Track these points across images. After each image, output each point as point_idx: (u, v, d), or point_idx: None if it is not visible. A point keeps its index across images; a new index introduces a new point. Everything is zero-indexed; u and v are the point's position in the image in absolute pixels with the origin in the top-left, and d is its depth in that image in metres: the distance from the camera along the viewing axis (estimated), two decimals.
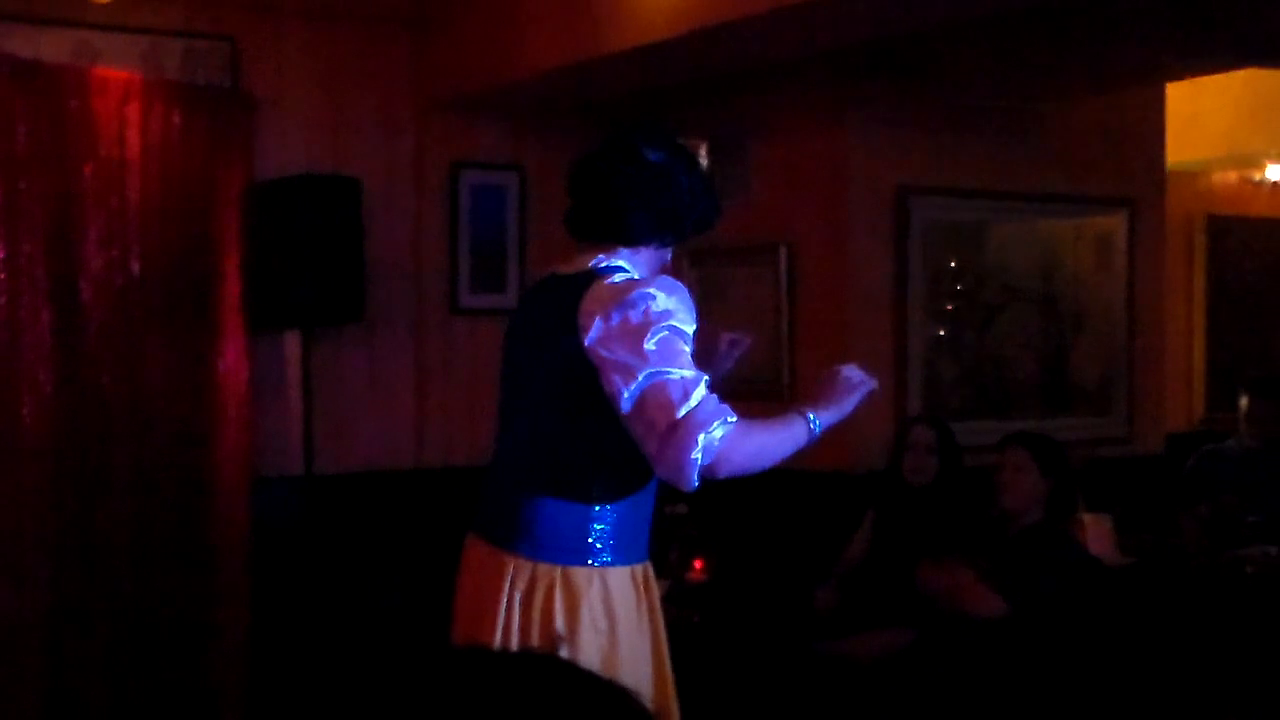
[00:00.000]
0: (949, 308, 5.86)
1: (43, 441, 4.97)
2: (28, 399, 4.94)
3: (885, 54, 5.26)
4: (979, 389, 5.89)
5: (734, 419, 2.64)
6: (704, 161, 2.93)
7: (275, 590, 5.44)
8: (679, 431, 2.59)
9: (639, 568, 2.89)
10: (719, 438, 2.60)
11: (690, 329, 2.70)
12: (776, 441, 2.73)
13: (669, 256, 2.95)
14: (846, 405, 2.84)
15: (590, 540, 2.81)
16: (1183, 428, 7.15)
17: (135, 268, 5.16)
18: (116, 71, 5.17)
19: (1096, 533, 5.03)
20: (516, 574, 2.82)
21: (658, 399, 2.62)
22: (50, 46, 5.13)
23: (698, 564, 4.71)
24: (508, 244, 6.12)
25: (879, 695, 4.44)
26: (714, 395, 2.66)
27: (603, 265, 2.82)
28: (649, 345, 2.63)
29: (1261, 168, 7.78)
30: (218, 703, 5.33)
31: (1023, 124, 6.01)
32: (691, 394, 2.62)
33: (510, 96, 5.82)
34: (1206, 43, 5.27)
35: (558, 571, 2.79)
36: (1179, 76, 6.17)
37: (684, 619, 4.44)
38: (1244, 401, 5.91)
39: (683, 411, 2.60)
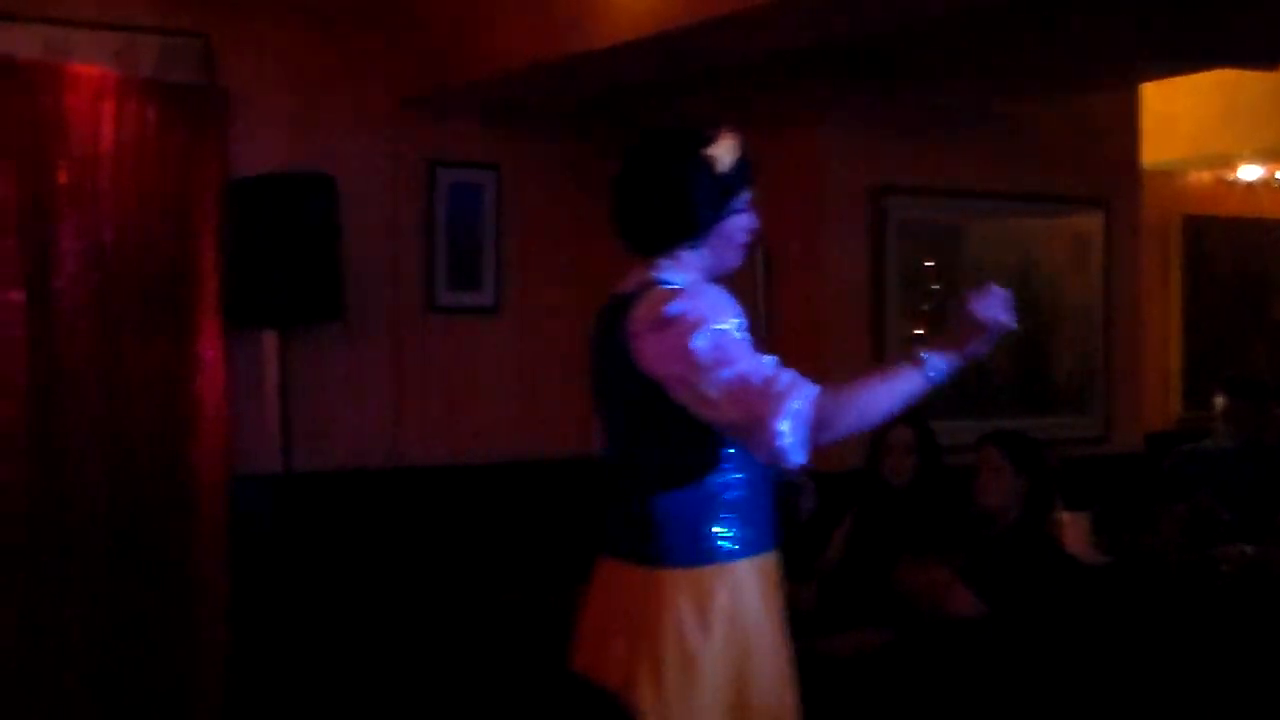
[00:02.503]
0: (925, 308, 5.86)
1: (17, 442, 4.93)
2: (2, 399, 4.91)
3: (861, 53, 5.26)
4: (958, 389, 5.83)
5: (811, 389, 2.61)
6: (726, 151, 2.86)
7: (253, 588, 5.41)
8: (759, 421, 2.59)
9: (766, 558, 2.84)
10: (805, 410, 2.59)
11: (731, 325, 2.69)
12: (876, 396, 2.68)
13: (733, 256, 2.89)
14: (970, 346, 2.69)
15: (708, 531, 2.77)
16: (1160, 427, 7.18)
17: (111, 267, 5.12)
18: (90, 68, 5.13)
19: (1074, 532, 5.04)
20: (640, 585, 2.79)
21: (728, 398, 2.63)
22: (23, 43, 5.08)
23: None
24: (484, 242, 6.11)
25: (857, 694, 4.44)
26: (786, 372, 2.64)
27: (647, 280, 2.83)
28: (699, 353, 2.64)
29: (1235, 168, 7.82)
30: (194, 702, 5.29)
31: (999, 124, 6.02)
32: (757, 381, 2.61)
33: (487, 94, 5.80)
34: (1180, 43, 5.29)
35: (680, 576, 2.75)
36: (1154, 77, 6.19)
37: None
38: (1220, 401, 5.94)
39: (755, 400, 2.60)
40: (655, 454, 2.81)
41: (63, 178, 5.04)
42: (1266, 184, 7.99)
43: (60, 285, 5.02)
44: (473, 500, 6.03)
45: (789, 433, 2.58)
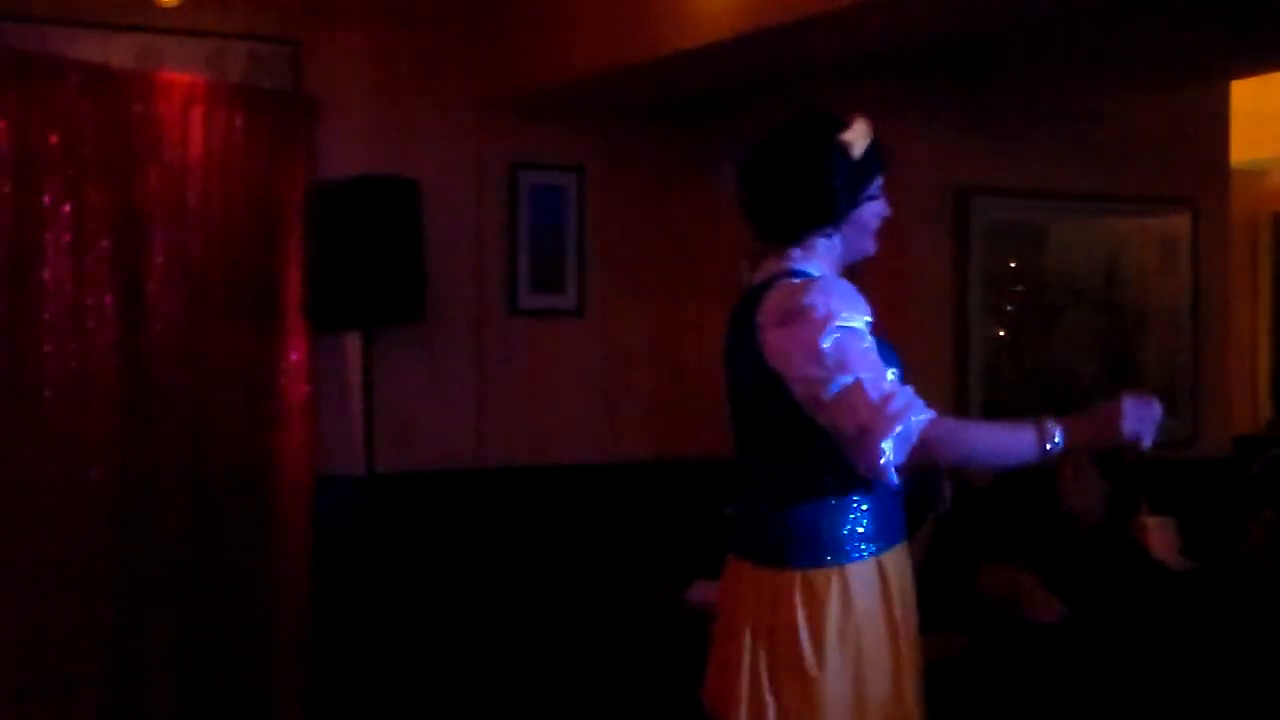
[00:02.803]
0: (1010, 309, 5.82)
1: (106, 442, 5.03)
2: (93, 400, 5.01)
3: (945, 53, 5.23)
4: (1041, 390, 5.84)
5: (925, 414, 2.61)
6: (860, 136, 2.85)
7: (335, 589, 5.47)
8: (867, 434, 2.60)
9: (887, 556, 2.80)
10: (911, 432, 2.59)
11: (860, 322, 2.69)
12: (986, 442, 2.71)
13: (866, 243, 2.89)
14: (1103, 432, 2.68)
15: (828, 532, 2.75)
16: (1249, 430, 7.06)
17: (199, 270, 5.22)
18: (181, 75, 5.23)
19: (1160, 536, 4.98)
20: (760, 586, 2.79)
21: (842, 405, 2.62)
22: (116, 51, 5.20)
23: None
24: (567, 245, 6.14)
25: (936, 698, 4.41)
26: (905, 389, 2.64)
27: (779, 270, 2.81)
28: (824, 353, 2.64)
29: None
30: (277, 703, 5.36)
31: (1084, 123, 5.95)
32: (873, 394, 2.60)
33: (569, 97, 5.83)
34: (1272, 40, 5.21)
35: (797, 578, 2.74)
36: (1243, 74, 6.09)
37: None
38: None
39: (867, 414, 2.59)
40: (778, 451, 2.78)
41: (154, 184, 5.14)
42: None
43: (151, 289, 5.12)
44: (554, 502, 6.05)
45: (891, 453, 2.58)
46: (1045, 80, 5.62)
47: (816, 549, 2.74)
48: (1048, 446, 2.64)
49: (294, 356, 5.34)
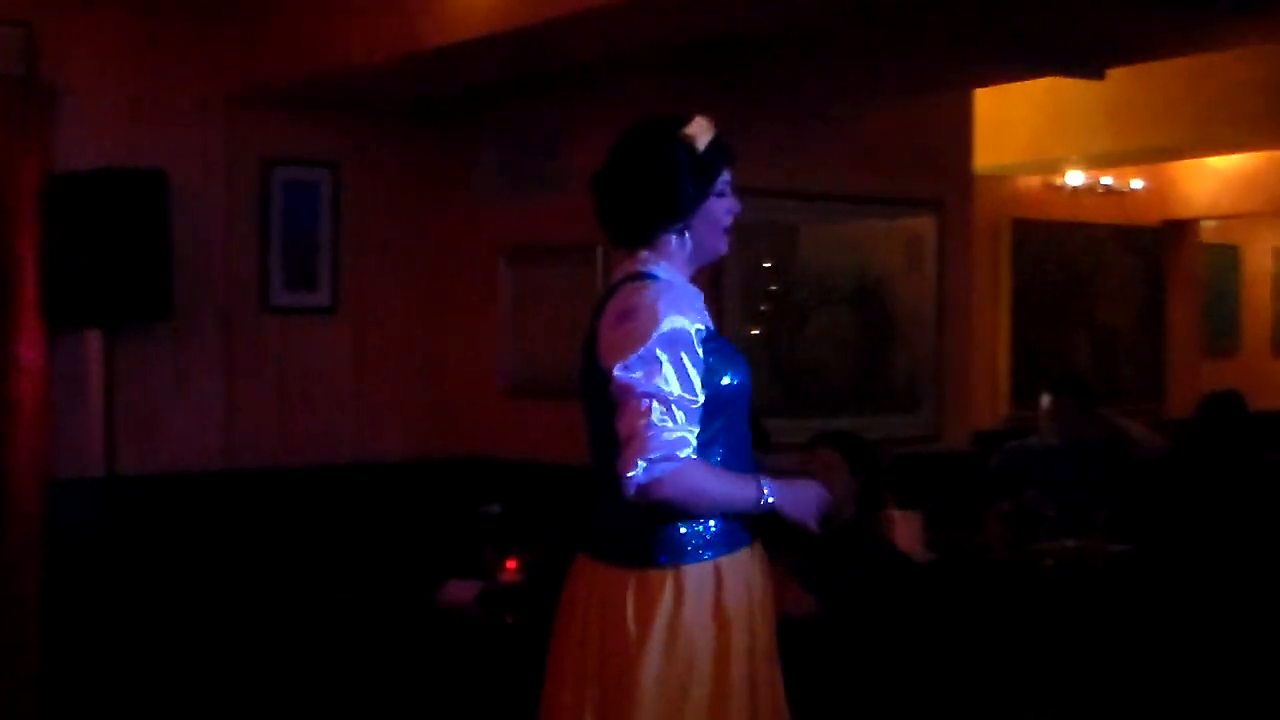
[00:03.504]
0: (763, 308, 5.93)
1: None
2: None
3: (698, 55, 5.29)
4: (792, 388, 5.97)
5: (686, 454, 2.69)
6: (703, 132, 2.86)
7: (71, 598, 5.26)
8: (631, 445, 2.67)
9: (725, 560, 2.81)
10: (664, 466, 2.67)
11: (692, 329, 2.73)
12: (720, 491, 2.77)
13: (718, 241, 2.90)
14: (796, 506, 2.86)
15: (661, 533, 2.77)
16: (989, 425, 7.35)
17: None
18: None
19: (905, 530, 5.12)
20: (599, 584, 2.81)
21: (628, 408, 2.69)
22: None
23: (510, 564, 4.68)
24: (321, 242, 6.04)
25: None
26: (682, 431, 2.69)
27: (629, 272, 2.84)
28: (638, 359, 2.69)
29: (1062, 173, 8.05)
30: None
31: (836, 126, 6.10)
32: (654, 420, 2.67)
33: (324, 92, 5.72)
34: (1013, 51, 5.42)
35: (633, 578, 2.77)
36: (986, 83, 6.33)
37: (497, 620, 4.42)
38: (1045, 400, 6.10)
39: (641, 428, 2.67)
40: (616, 450, 2.78)
41: None
42: (1090, 189, 8.24)
43: None
44: (306, 503, 5.94)
45: (639, 475, 2.67)
46: (797, 82, 5.74)
47: (655, 550, 2.77)
48: (762, 496, 2.79)
49: (27, 355, 5.13)
